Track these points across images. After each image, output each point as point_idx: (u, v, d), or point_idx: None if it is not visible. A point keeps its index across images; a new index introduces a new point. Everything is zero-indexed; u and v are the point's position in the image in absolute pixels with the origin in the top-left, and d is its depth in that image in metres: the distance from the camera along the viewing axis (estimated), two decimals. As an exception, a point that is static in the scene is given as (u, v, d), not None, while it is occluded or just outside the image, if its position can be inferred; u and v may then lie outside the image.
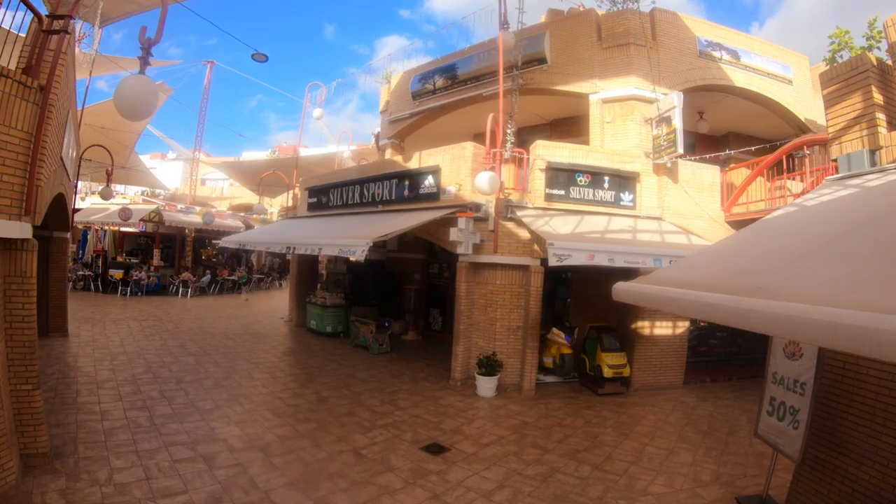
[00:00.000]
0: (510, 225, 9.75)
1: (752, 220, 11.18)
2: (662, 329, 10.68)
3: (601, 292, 11.93)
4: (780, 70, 13.40)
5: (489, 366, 9.34)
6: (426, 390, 9.57)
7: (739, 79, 12.53)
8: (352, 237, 9.20)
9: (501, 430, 7.68)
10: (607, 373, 9.77)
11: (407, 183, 11.47)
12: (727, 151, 11.55)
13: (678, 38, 11.99)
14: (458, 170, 10.29)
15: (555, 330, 10.43)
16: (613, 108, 11.45)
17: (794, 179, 11.70)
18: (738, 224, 11.50)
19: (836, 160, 5.07)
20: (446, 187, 10.46)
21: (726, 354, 12.46)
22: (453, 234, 9.37)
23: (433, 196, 10.73)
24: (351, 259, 16.21)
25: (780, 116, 13.84)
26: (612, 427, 8.12)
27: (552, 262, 7.62)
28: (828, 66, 6.63)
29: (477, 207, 9.75)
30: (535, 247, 9.68)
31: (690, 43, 12.14)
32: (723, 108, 13.86)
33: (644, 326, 10.48)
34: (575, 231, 9.01)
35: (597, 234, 9.13)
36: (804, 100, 13.85)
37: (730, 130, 15.73)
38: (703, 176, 11.48)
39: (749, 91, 12.72)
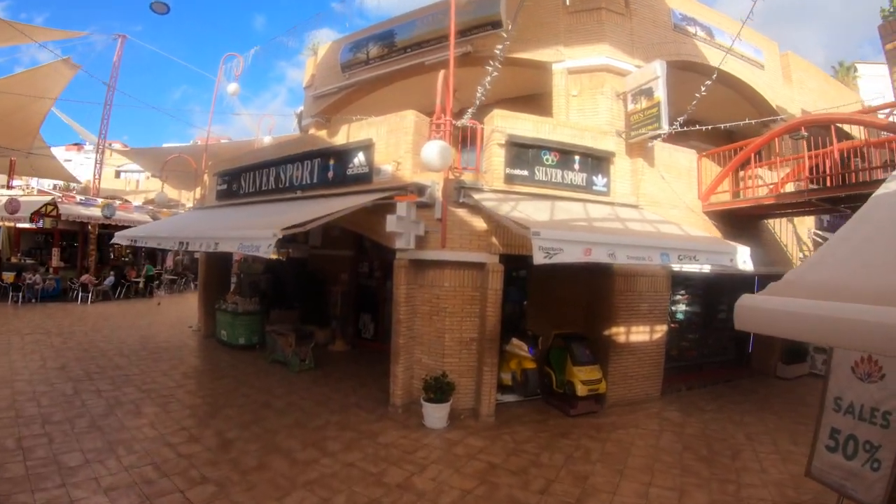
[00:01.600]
0: (462, 213, 7.92)
1: (730, 211, 10.55)
2: (639, 335, 9.25)
3: (564, 292, 10.31)
4: (752, 53, 12.46)
5: (439, 389, 7.51)
6: (360, 422, 7.63)
7: (713, 58, 11.22)
8: (256, 229, 7.09)
9: (465, 481, 5.88)
10: (581, 391, 8.19)
11: (332, 163, 9.50)
12: (701, 127, 10.03)
13: (652, 7, 10.64)
14: (397, 144, 8.43)
15: (515, 341, 8.70)
16: (581, 79, 9.88)
17: (769, 168, 10.63)
18: (716, 215, 10.34)
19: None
20: (381, 166, 8.57)
21: (699, 358, 11.45)
22: (391, 223, 7.45)
23: (364, 177, 8.82)
24: (256, 255, 14.08)
25: (750, 102, 12.77)
26: (600, 462, 6.58)
27: (539, 258, 5.71)
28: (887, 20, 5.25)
29: (421, 190, 7.87)
30: (494, 239, 7.91)
31: (664, 14, 10.85)
32: (688, 92, 12.55)
33: (619, 333, 8.98)
34: (555, 219, 7.31)
35: (583, 222, 7.46)
36: (775, 87, 12.96)
37: (692, 118, 14.43)
38: (679, 160, 10.21)
39: (723, 72, 11.38)
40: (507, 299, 9.74)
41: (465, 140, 8.22)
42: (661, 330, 9.45)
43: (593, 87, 9.73)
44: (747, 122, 9.48)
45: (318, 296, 13.56)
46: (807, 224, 13.18)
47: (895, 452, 3.86)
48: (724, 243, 7.60)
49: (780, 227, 12.30)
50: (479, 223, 7.89)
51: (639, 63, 9.66)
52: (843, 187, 8.36)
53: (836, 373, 4.43)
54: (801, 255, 12.80)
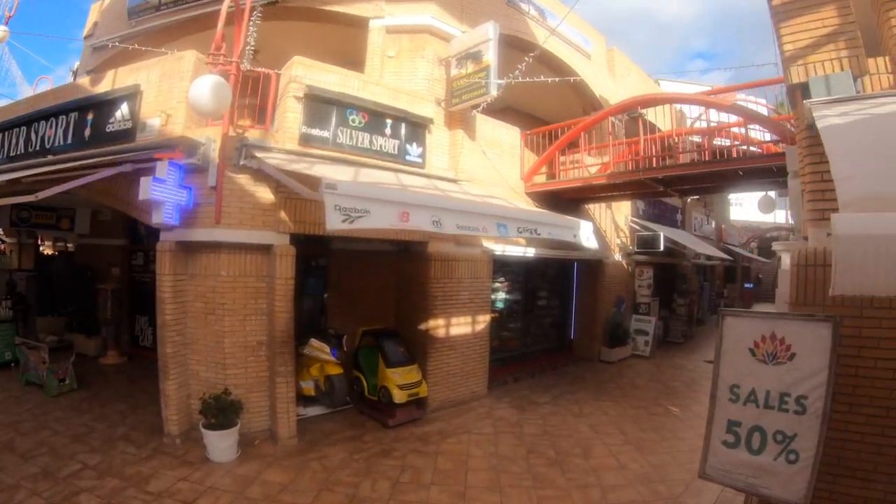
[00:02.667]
0: (244, 179, 6.16)
1: (554, 193, 10.05)
2: (461, 327, 8.34)
3: (372, 282, 8.77)
4: (581, 42, 12.41)
5: (221, 411, 5.74)
6: (128, 462, 5.57)
7: (543, 39, 10.76)
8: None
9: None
10: (399, 397, 6.97)
11: (90, 117, 7.20)
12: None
13: (486, -27, 9.75)
14: (170, 92, 6.49)
15: (314, 342, 7.17)
16: (400, 40, 8.65)
17: (597, 151, 10.49)
18: (538, 196, 9.93)
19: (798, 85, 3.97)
20: (147, 120, 6.57)
21: (522, 347, 11.08)
22: (145, 188, 5.48)
23: (125, 134, 6.74)
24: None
25: (575, 91, 12.66)
26: (436, 485, 5.45)
27: (334, 222, 4.21)
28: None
29: (191, 149, 6.02)
30: (283, 214, 6.30)
31: (498, -16, 10.05)
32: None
33: (437, 326, 7.94)
34: (361, 179, 5.90)
35: (396, 186, 6.11)
36: (600, 78, 13.09)
37: (509, 105, 14.00)
38: (503, 137, 9.56)
39: (552, 55, 11.00)
40: (306, 293, 8.25)
41: (257, 93, 6.53)
42: (484, 320, 8.66)
43: (413, 49, 8.56)
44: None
45: (87, 297, 10.74)
46: (623, 212, 13.51)
47: (816, 440, 3.33)
48: (566, 218, 6.90)
49: (600, 214, 12.35)
50: (266, 194, 6.22)
51: (466, 30, 8.71)
52: (676, 167, 8.44)
53: (730, 357, 3.76)
54: (618, 241, 13.04)
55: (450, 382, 8.07)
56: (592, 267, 12.37)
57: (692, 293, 17.38)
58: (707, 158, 8.45)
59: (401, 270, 8.38)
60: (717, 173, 8.11)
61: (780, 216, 29.19)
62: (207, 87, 5.08)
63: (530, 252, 9.48)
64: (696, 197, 18.37)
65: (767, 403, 3.53)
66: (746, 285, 28.95)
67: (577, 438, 6.89)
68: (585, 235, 6.65)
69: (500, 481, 5.51)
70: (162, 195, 5.63)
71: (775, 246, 5.97)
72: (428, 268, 7.79)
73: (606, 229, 12.72)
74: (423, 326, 7.84)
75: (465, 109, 8.08)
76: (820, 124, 3.35)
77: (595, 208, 12.30)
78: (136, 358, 10.23)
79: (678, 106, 14.83)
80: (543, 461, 6.09)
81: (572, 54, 11.84)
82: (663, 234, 13.04)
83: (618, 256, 13.06)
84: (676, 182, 8.95)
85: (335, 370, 7.10)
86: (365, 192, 4.61)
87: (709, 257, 19.42)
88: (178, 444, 6.06)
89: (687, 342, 15.60)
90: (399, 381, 7.02)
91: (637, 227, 13.70)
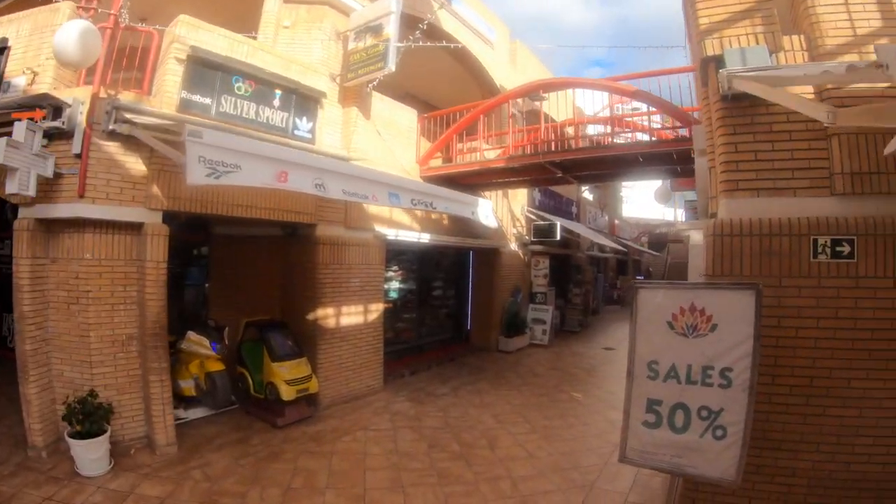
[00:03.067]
0: (114, 148, 5.72)
1: (451, 178, 10.17)
2: (353, 316, 8.39)
3: (256, 268, 8.60)
4: (485, 30, 12.87)
5: (88, 417, 5.27)
6: None
7: (448, 25, 11.04)
8: None
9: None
10: (287, 393, 6.83)
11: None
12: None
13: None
14: (40, 48, 5.90)
15: (192, 335, 6.89)
16: (298, 10, 8.47)
17: (488, 141, 10.84)
18: (434, 180, 10.18)
19: (713, 58, 4.15)
20: (13, 79, 5.94)
21: (418, 338, 11.35)
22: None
23: (-15, 93, 6.03)
24: None
25: (475, 78, 13.14)
26: (332, 488, 5.33)
27: (196, 176, 3.98)
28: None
29: (56, 109, 5.48)
30: (156, 189, 5.95)
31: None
32: (406, 63, 12.23)
33: (327, 316, 7.94)
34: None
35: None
36: (502, 67, 13.61)
37: (408, 92, 14.17)
38: (399, 118, 9.75)
39: (456, 40, 11.17)
40: (188, 284, 7.90)
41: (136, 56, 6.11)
42: (377, 309, 8.78)
43: (311, 20, 8.40)
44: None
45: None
46: (520, 201, 14.16)
47: (744, 414, 3.36)
48: (464, 194, 7.06)
49: (497, 203, 12.86)
50: (137, 164, 5.81)
51: (367, 4, 8.66)
52: (577, 150, 9.02)
53: (646, 332, 3.72)
54: (515, 230, 13.63)
55: (342, 376, 8.09)
56: (489, 255, 12.88)
57: (587, 283, 18.61)
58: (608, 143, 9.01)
59: (288, 256, 8.24)
60: (617, 158, 8.66)
61: (669, 213, 32.05)
62: (75, 33, 4.75)
63: (425, 238, 9.69)
64: (595, 185, 19.54)
65: (690, 378, 3.51)
66: (638, 277, 31.34)
67: (480, 430, 7.09)
68: (484, 213, 6.87)
69: (401, 480, 5.51)
70: (17, 161, 5.10)
71: (681, 226, 6.45)
72: (316, 252, 7.73)
73: (503, 218, 13.27)
74: (311, 316, 7.78)
75: (361, 85, 8.13)
76: (744, 87, 3.60)
77: (492, 197, 12.78)
78: (5, 361, 9.08)
79: (579, 100, 15.82)
80: (447, 455, 6.19)
81: (474, 39, 12.22)
82: (560, 223, 13.83)
83: (514, 246, 13.69)
84: (576, 167, 9.51)
85: (216, 366, 6.87)
86: (236, 144, 4.40)
87: (602, 248, 20.89)
88: (45, 457, 5.50)
89: (584, 331, 16.74)
90: (287, 375, 6.90)
91: (533, 218, 14.41)
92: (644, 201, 30.24)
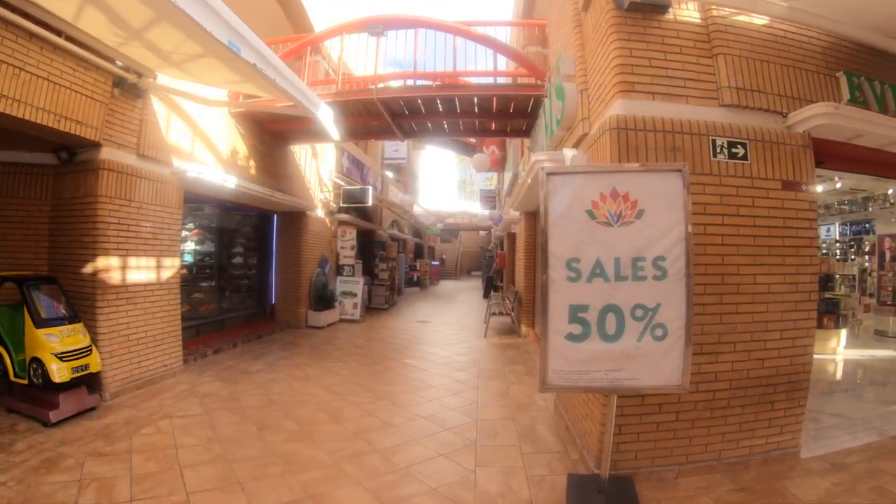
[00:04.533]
0: None
1: (260, 118, 8.78)
2: (143, 271, 6.38)
3: (18, 209, 6.02)
4: None
5: None
6: None
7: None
8: None
9: None
10: (61, 373, 4.84)
11: None
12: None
13: None
14: None
15: None
16: None
17: (315, 86, 9.50)
18: (243, 118, 9.09)
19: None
20: None
21: (218, 312, 9.60)
22: None
23: None
24: None
25: (290, 18, 11.29)
26: (143, 500, 3.61)
27: None
28: None
29: None
30: None
31: None
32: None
33: (111, 268, 5.85)
34: None
35: None
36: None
37: None
38: None
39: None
40: None
41: None
42: (173, 266, 6.85)
43: None
44: None
45: None
46: (328, 166, 12.97)
47: (684, 306, 3.02)
48: (309, 89, 5.72)
49: (305, 162, 11.60)
50: None
51: None
52: (418, 88, 8.34)
53: (561, 226, 3.16)
54: (321, 195, 12.44)
55: (133, 352, 6.10)
56: (295, 220, 11.47)
57: (392, 260, 17.97)
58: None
59: (62, 192, 5.95)
60: (457, 104, 8.35)
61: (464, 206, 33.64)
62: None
63: (231, 182, 7.91)
64: (417, 146, 18.97)
65: (619, 274, 3.09)
66: (433, 262, 31.99)
67: (315, 403, 5.94)
68: (326, 116, 5.72)
69: (235, 474, 4.03)
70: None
71: (539, 156, 6.06)
72: (100, 182, 5.67)
73: (311, 180, 11.95)
74: (90, 268, 5.66)
75: None
76: None
77: (301, 155, 11.40)
78: None
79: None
80: (286, 436, 4.88)
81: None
82: (370, 189, 12.97)
83: (321, 213, 12.42)
84: (411, 114, 8.89)
85: None
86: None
87: (401, 228, 20.56)
88: None
89: (391, 308, 16.06)
90: (58, 347, 4.89)
91: (342, 183, 13.33)
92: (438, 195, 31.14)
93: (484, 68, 8.49)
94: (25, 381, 4.98)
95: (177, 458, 4.31)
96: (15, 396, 5.13)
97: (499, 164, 15.17)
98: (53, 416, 4.82)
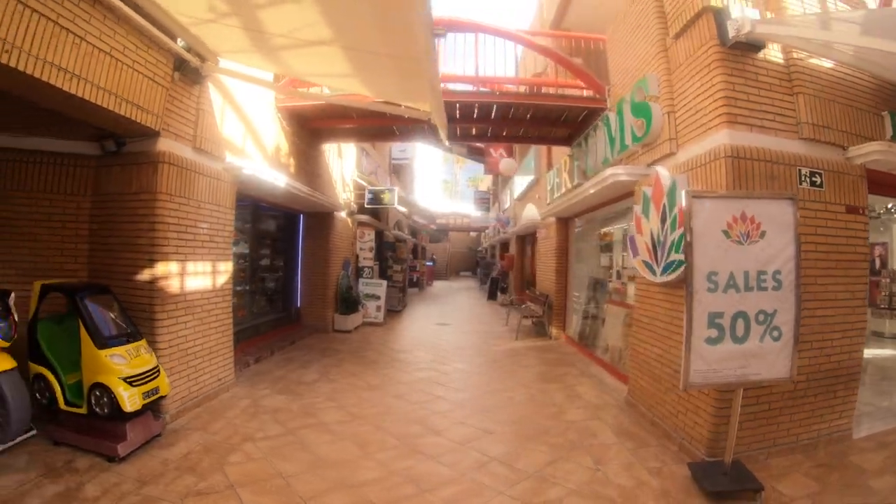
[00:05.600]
0: None
1: (301, 113, 8.04)
2: (200, 277, 5.60)
3: (53, 204, 5.07)
4: None
5: None
6: None
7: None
8: None
9: None
10: (133, 401, 4.06)
11: None
12: None
13: None
14: None
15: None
16: None
17: None
18: (288, 114, 8.32)
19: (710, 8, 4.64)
20: None
21: (251, 318, 8.86)
22: None
23: None
24: None
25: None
26: None
27: None
28: None
29: None
30: None
31: None
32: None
33: (170, 275, 5.05)
34: None
35: None
36: None
37: None
38: None
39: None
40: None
41: None
42: (227, 271, 6.11)
43: None
44: None
45: None
46: (350, 166, 12.31)
47: (794, 311, 3.63)
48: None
49: (332, 162, 10.93)
50: None
51: None
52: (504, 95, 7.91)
53: (702, 244, 3.58)
54: (344, 196, 11.76)
55: (191, 367, 5.35)
56: (322, 220, 10.72)
57: (403, 260, 17.29)
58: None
59: (103, 185, 5.11)
60: (524, 112, 8.16)
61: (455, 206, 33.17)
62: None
63: (280, 181, 7.16)
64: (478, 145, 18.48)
65: (748, 285, 3.59)
66: (427, 262, 31.34)
67: (398, 415, 5.43)
68: (440, 118, 5.10)
69: (372, 501, 3.57)
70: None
71: (616, 169, 5.86)
72: (157, 177, 4.89)
73: (336, 181, 11.24)
74: (146, 275, 4.87)
75: None
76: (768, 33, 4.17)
77: (329, 153, 10.72)
78: None
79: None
80: (394, 453, 4.39)
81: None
82: (397, 190, 12.31)
83: (343, 214, 11.72)
84: (460, 120, 8.51)
85: (2, 363, 3.73)
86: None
87: (401, 228, 19.90)
88: None
89: (404, 310, 15.42)
90: (126, 371, 4.11)
91: (364, 184, 12.64)
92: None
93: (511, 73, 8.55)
94: (84, 410, 4.17)
95: (292, 488, 3.73)
96: (64, 427, 4.28)
97: (497, 168, 14.74)
98: (122, 449, 4.04)
